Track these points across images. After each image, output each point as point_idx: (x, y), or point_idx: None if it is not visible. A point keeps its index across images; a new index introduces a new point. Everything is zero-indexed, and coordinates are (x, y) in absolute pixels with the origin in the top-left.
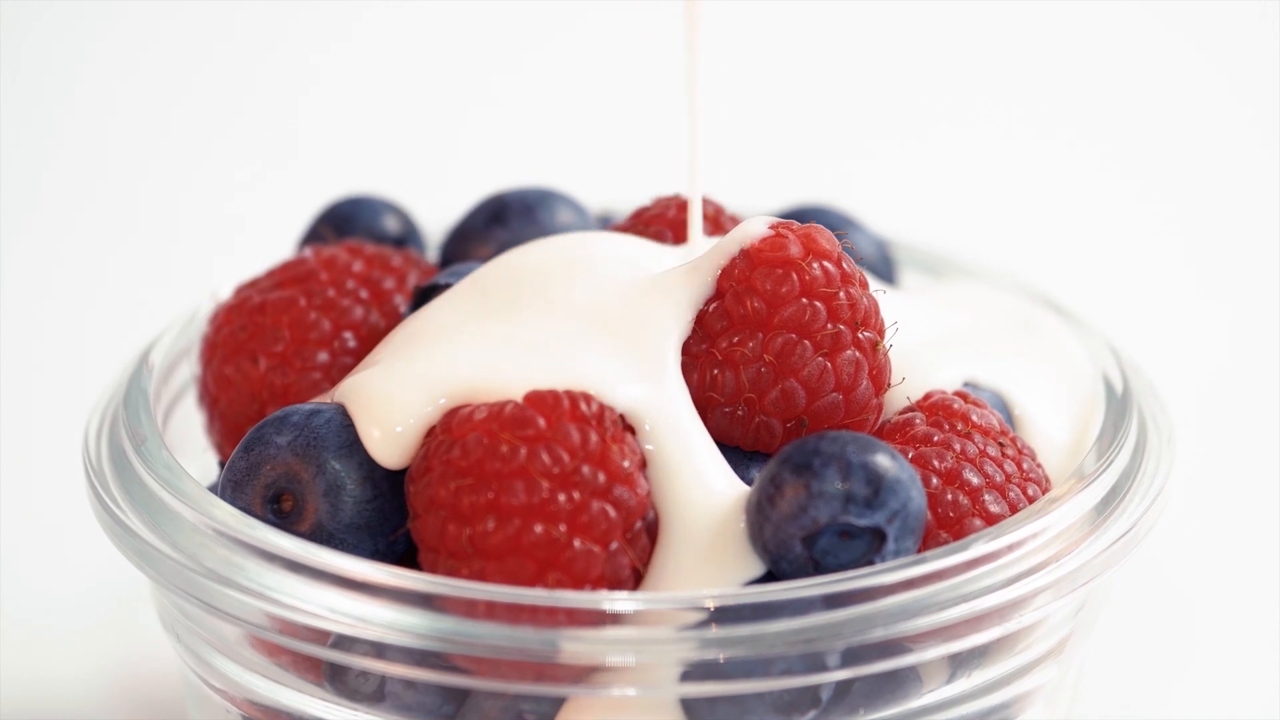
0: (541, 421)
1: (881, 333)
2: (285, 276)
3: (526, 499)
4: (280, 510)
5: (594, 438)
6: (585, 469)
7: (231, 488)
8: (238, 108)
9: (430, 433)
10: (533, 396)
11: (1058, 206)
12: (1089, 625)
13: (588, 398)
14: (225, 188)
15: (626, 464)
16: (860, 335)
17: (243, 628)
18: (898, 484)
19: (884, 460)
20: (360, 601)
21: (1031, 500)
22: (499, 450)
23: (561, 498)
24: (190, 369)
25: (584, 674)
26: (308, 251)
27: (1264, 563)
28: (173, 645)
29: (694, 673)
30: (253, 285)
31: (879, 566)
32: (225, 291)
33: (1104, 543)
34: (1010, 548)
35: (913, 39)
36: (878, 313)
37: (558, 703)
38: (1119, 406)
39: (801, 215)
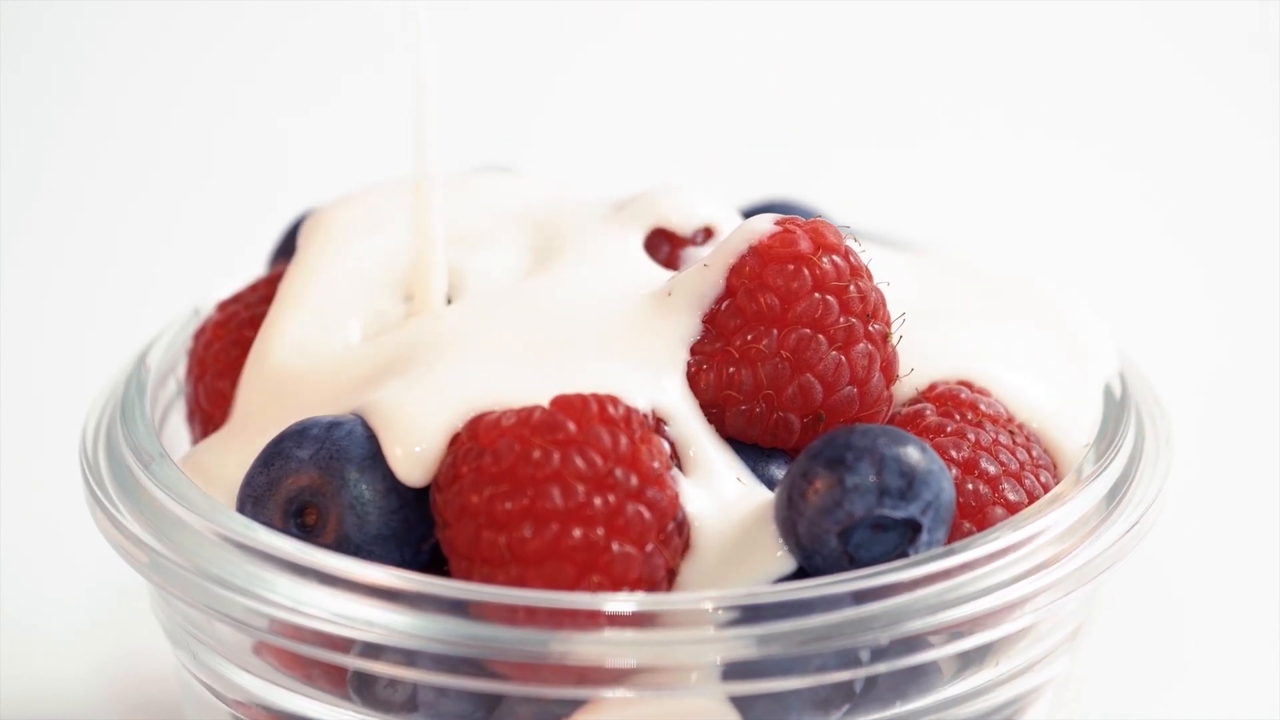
0: (571, 426)
1: (889, 324)
2: (271, 290)
3: (564, 503)
4: (304, 524)
5: (624, 440)
6: (618, 471)
7: (252, 503)
8: (225, 111)
9: (456, 440)
10: (560, 401)
11: (1054, 207)
12: (1096, 617)
13: (614, 400)
14: (213, 191)
15: (656, 465)
16: (871, 328)
17: (270, 642)
18: (930, 475)
19: (915, 452)
20: (395, 612)
21: (1045, 487)
22: (531, 456)
23: (598, 501)
24: (175, 386)
25: (621, 676)
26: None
27: (1262, 562)
28: (185, 661)
29: (732, 671)
30: (238, 300)
31: (914, 558)
32: (207, 307)
33: (1118, 532)
34: (1034, 537)
35: (902, 37)
36: (885, 304)
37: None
38: (1117, 407)
39: (769, 210)
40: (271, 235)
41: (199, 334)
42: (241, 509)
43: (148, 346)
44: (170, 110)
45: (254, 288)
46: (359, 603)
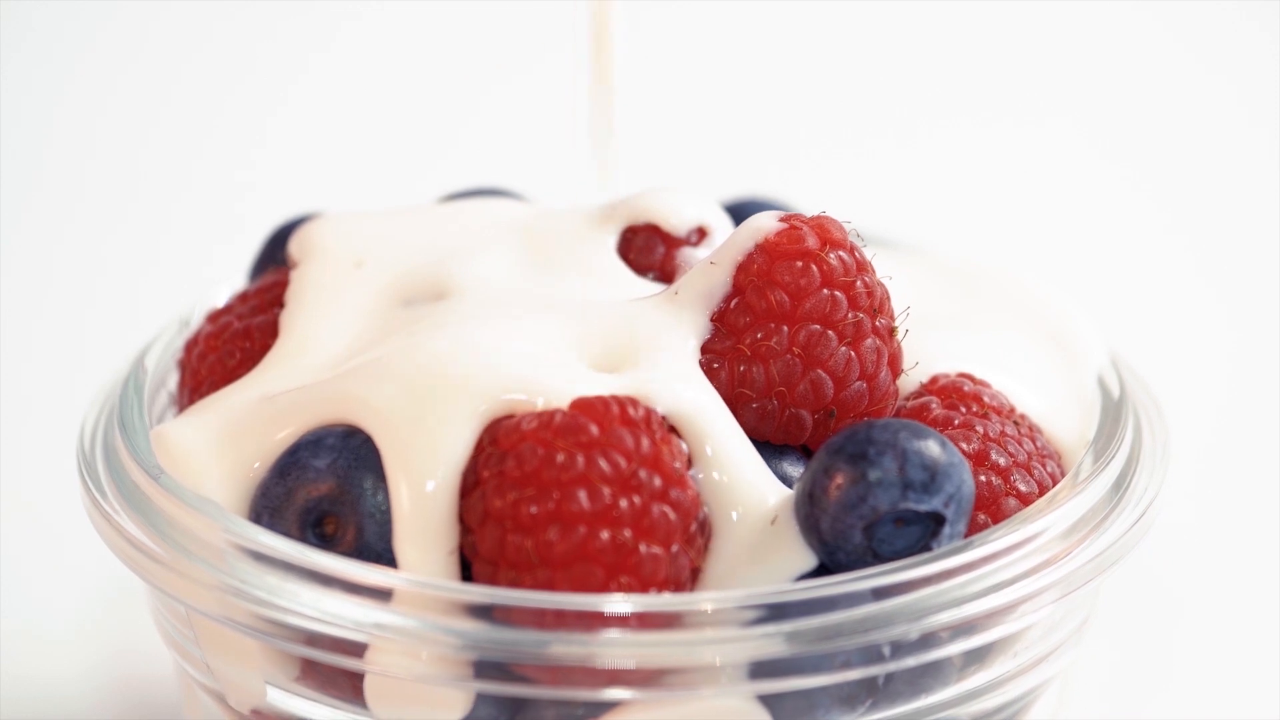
0: (594, 428)
1: (893, 318)
2: (263, 300)
3: (590, 506)
4: (323, 533)
5: (645, 441)
6: (642, 473)
7: (269, 514)
8: (218, 114)
9: (478, 446)
10: (581, 403)
11: (1053, 209)
12: (1100, 611)
13: (634, 401)
14: (194, 195)
15: (677, 465)
16: (878, 323)
17: (299, 653)
18: (951, 468)
19: (936, 446)
20: (418, 618)
21: (1053, 477)
22: (555, 459)
23: (623, 503)
24: (166, 398)
25: (651, 677)
26: (279, 275)
27: (1259, 561)
28: (191, 670)
29: (762, 670)
30: (228, 311)
31: (939, 551)
32: (195, 317)
33: (1128, 521)
34: (1052, 528)
35: (893, 35)
36: (889, 299)
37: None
38: (1115, 410)
39: (741, 208)
40: (249, 236)
41: (190, 345)
42: (258, 519)
43: (142, 352)
44: (153, 113)
45: (243, 297)
46: (380, 609)
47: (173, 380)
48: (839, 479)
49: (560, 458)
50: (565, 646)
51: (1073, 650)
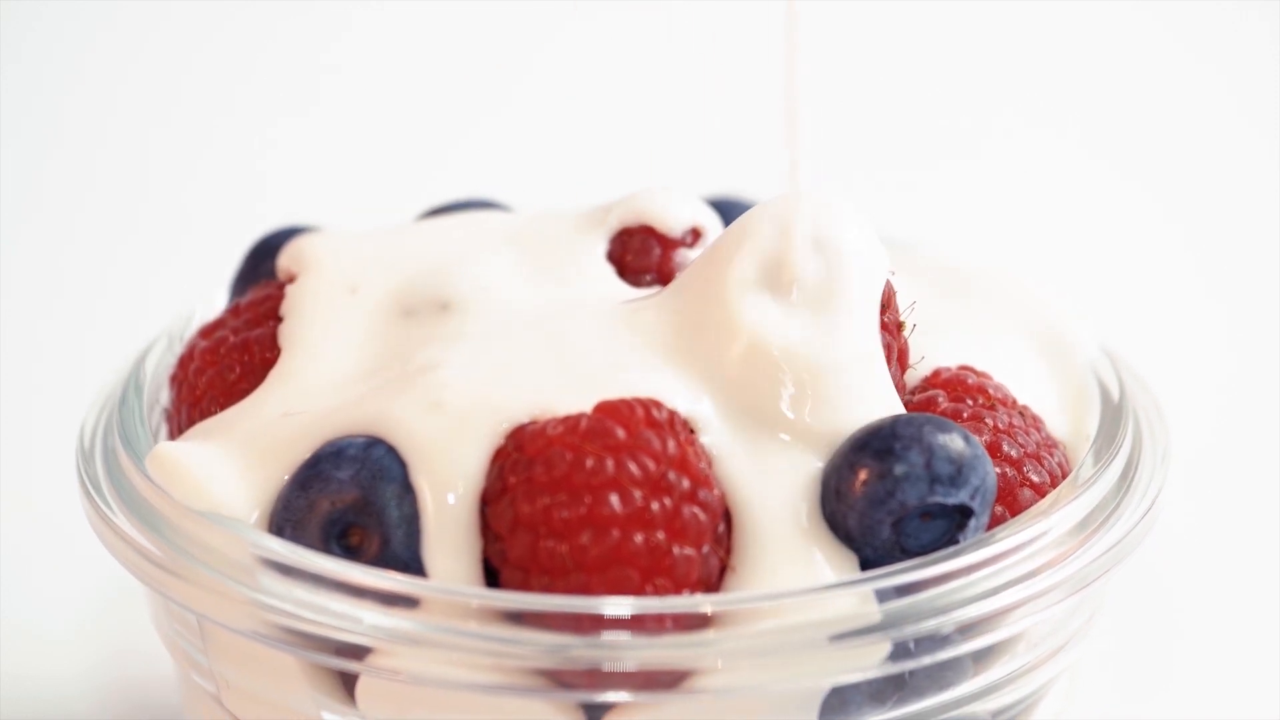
0: (621, 432)
1: (899, 313)
2: (256, 314)
3: (624, 509)
4: (348, 544)
5: (672, 443)
6: (671, 475)
7: (292, 526)
8: (214, 123)
9: (502, 452)
10: (605, 407)
11: (1052, 209)
12: (1105, 606)
13: (657, 404)
14: (202, 199)
15: (703, 466)
16: (886, 318)
17: (313, 660)
18: (976, 460)
19: (960, 439)
20: (448, 626)
21: (1062, 466)
22: (584, 463)
23: (655, 506)
24: (159, 413)
25: (692, 675)
26: (271, 288)
27: (1260, 563)
28: (202, 681)
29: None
30: (221, 325)
31: (967, 543)
32: (185, 331)
33: (1138, 513)
34: (1069, 517)
35: (898, 36)
36: (895, 294)
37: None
38: (1115, 410)
39: (717, 206)
40: (240, 238)
41: (185, 360)
42: (279, 532)
43: (140, 357)
44: (147, 119)
45: (236, 311)
46: (413, 619)
47: (165, 396)
48: (865, 474)
49: (590, 462)
50: (602, 650)
51: (1082, 644)
